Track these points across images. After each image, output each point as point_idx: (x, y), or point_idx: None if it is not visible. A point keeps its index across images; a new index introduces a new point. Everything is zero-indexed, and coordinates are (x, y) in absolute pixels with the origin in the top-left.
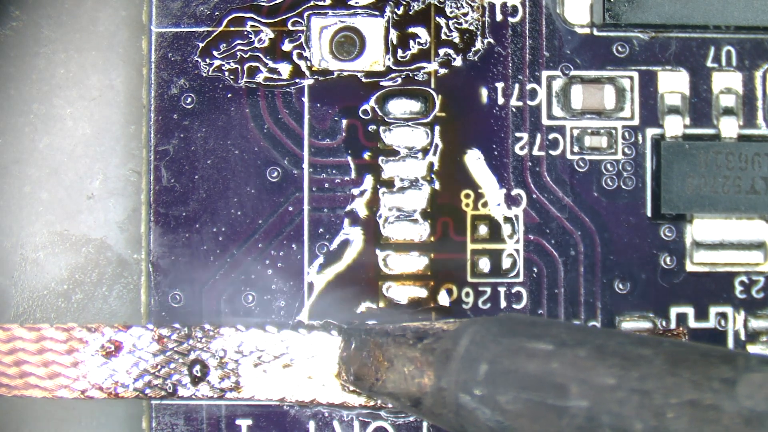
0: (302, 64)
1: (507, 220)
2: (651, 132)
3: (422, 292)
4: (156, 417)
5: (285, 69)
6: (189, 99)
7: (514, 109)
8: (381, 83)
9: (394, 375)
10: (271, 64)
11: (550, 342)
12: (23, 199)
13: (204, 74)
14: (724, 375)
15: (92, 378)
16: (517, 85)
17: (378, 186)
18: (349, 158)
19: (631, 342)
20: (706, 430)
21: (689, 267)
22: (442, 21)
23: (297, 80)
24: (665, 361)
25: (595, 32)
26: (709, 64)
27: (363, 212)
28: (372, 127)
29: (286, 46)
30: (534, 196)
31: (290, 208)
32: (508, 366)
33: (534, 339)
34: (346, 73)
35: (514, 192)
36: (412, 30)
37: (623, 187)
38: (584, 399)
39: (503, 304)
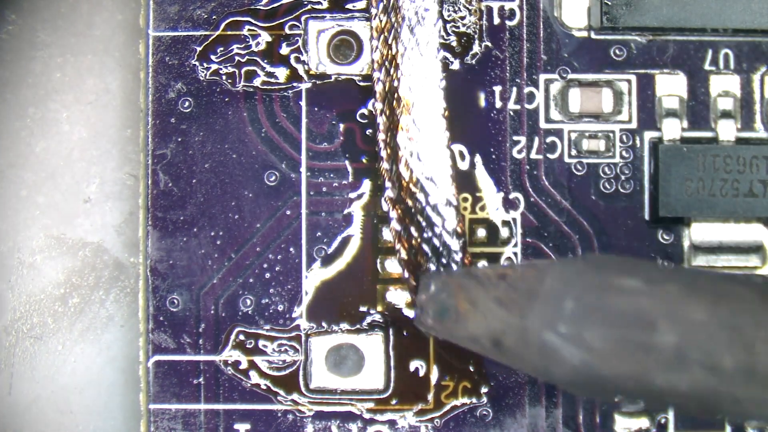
0: (299, 67)
1: (505, 223)
2: (649, 135)
3: None
4: (155, 422)
5: (282, 73)
6: (186, 103)
7: (511, 113)
8: None
9: (475, 316)
10: (268, 67)
11: (640, 278)
12: (20, 203)
13: (201, 78)
14: None
15: None
16: (514, 89)
17: (376, 189)
18: (347, 162)
19: (722, 279)
20: None
21: None
22: (439, 24)
23: (294, 84)
24: (756, 296)
25: (593, 35)
26: (706, 67)
27: (360, 216)
28: (370, 131)
29: (284, 50)
30: (532, 199)
31: (288, 212)
32: (595, 302)
33: (623, 275)
34: (343, 77)
35: (512, 195)
36: None
37: (621, 190)
38: (673, 334)
39: None
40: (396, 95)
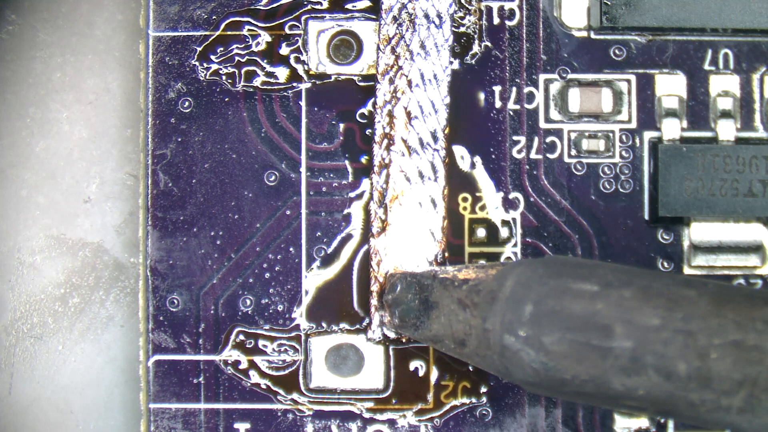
0: (299, 67)
1: (504, 223)
2: (648, 135)
3: None
4: (155, 421)
5: (282, 73)
6: (186, 103)
7: (511, 113)
8: None
9: (440, 317)
10: (268, 67)
11: (596, 283)
12: (20, 203)
13: (201, 78)
14: (767, 316)
15: None
16: (514, 89)
17: None
18: (347, 162)
19: (676, 283)
20: (748, 371)
21: (687, 270)
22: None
23: (294, 84)
24: (710, 302)
25: (593, 35)
26: (706, 67)
27: (360, 216)
28: (369, 131)
29: (284, 50)
30: (531, 199)
31: (288, 212)
32: (553, 306)
33: (580, 280)
34: (343, 77)
35: (512, 195)
36: None
37: (621, 190)
38: (628, 339)
39: None
40: (396, 106)
